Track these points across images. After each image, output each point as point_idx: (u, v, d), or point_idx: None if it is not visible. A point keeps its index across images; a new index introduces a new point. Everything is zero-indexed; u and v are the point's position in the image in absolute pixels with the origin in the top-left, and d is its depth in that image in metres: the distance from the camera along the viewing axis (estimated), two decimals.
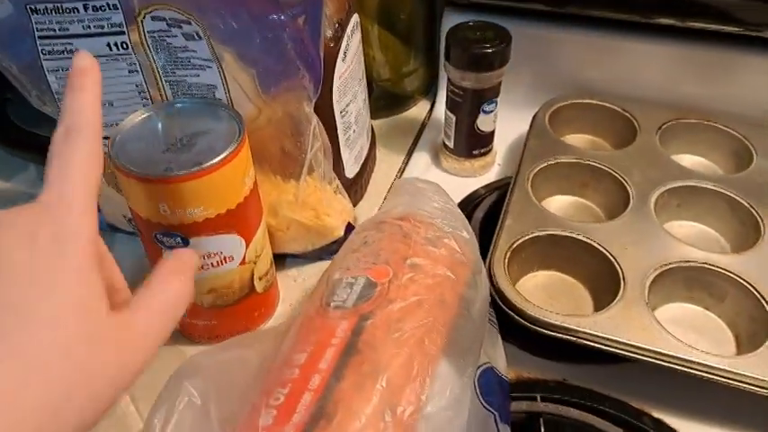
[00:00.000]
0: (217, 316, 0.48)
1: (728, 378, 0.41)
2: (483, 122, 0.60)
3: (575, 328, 0.43)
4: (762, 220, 0.51)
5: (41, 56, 0.43)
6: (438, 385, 0.33)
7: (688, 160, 0.60)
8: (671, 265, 0.47)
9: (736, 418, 0.44)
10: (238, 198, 0.42)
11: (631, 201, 0.53)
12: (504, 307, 0.45)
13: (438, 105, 0.73)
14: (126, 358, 0.27)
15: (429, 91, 0.76)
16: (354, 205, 0.59)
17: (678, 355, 0.41)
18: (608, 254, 0.48)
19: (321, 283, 0.41)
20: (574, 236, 0.50)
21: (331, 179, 0.52)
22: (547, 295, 0.50)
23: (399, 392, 0.32)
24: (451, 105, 0.61)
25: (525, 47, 0.63)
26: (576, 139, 0.64)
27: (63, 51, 0.43)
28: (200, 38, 0.41)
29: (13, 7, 0.42)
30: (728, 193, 0.53)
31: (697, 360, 0.41)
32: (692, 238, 0.51)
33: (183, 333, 0.50)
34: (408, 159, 0.68)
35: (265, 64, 0.42)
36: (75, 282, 0.25)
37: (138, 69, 0.43)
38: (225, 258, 0.44)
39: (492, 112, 0.60)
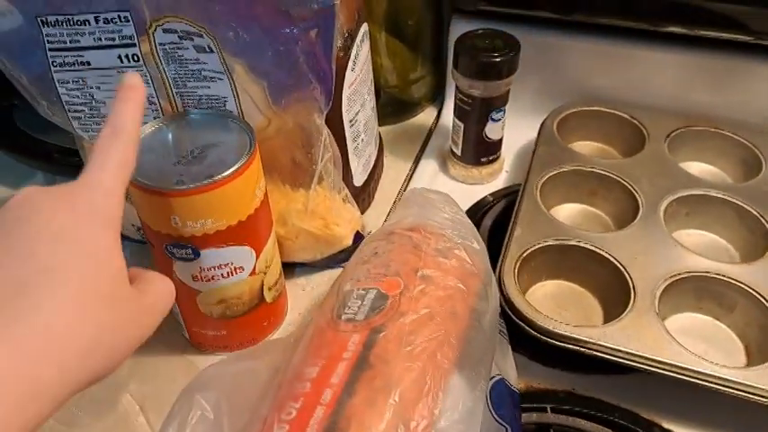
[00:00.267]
0: (226, 326, 0.48)
1: (740, 390, 0.40)
2: (491, 130, 0.60)
3: (585, 339, 0.43)
4: None
5: (52, 68, 0.43)
6: (450, 399, 0.33)
7: (697, 168, 0.60)
8: (681, 276, 0.47)
9: (747, 429, 0.43)
10: (249, 210, 0.42)
11: (641, 209, 0.53)
12: (514, 318, 0.45)
13: (445, 112, 0.73)
14: (132, 329, 0.31)
15: (436, 98, 0.76)
16: (362, 213, 0.59)
17: (689, 367, 0.41)
18: (618, 264, 0.48)
19: (331, 294, 0.41)
20: (583, 245, 0.50)
21: (340, 188, 0.52)
22: (556, 305, 0.50)
23: (412, 407, 0.32)
24: (459, 113, 0.61)
25: (533, 54, 0.63)
26: (585, 147, 0.64)
27: (74, 63, 0.43)
28: (211, 50, 0.41)
29: (24, 19, 0.42)
30: (738, 202, 0.53)
31: (708, 372, 0.41)
32: (701, 248, 0.51)
33: (193, 343, 0.50)
34: (416, 166, 0.68)
35: (277, 76, 0.42)
36: (110, 249, 0.30)
37: (149, 81, 0.43)
38: (235, 269, 0.44)
39: (500, 119, 0.60)
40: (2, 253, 0.28)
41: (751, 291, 0.46)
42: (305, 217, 0.50)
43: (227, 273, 0.44)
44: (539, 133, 0.62)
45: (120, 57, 0.42)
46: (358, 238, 0.54)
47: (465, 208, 0.59)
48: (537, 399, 0.46)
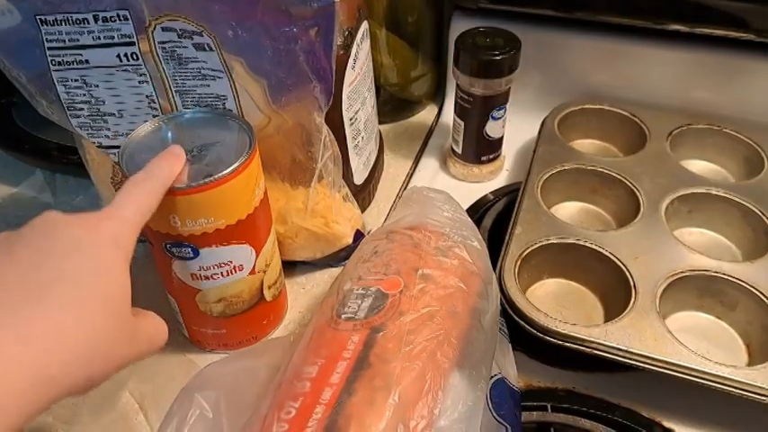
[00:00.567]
0: (226, 324, 0.48)
1: (741, 389, 0.40)
2: (492, 128, 0.60)
3: (586, 337, 0.43)
4: None
5: (51, 66, 0.43)
6: (450, 398, 0.33)
7: (698, 166, 0.60)
8: (682, 274, 0.47)
9: (748, 429, 0.43)
10: (249, 209, 0.42)
11: (642, 208, 0.53)
12: (514, 316, 0.45)
13: (446, 110, 0.73)
14: (125, 347, 0.33)
15: (437, 96, 0.75)
16: (363, 211, 0.59)
17: (690, 366, 0.41)
18: (619, 262, 0.48)
19: (331, 293, 0.41)
20: (584, 244, 0.50)
21: (340, 187, 0.52)
22: (557, 303, 0.50)
23: (412, 407, 0.32)
24: (460, 111, 0.60)
25: (534, 52, 0.63)
26: (586, 145, 0.64)
27: (73, 62, 0.42)
28: (210, 49, 0.41)
29: (23, 17, 0.41)
30: (740, 200, 0.53)
31: (709, 371, 0.41)
32: (702, 246, 0.51)
33: (192, 341, 0.50)
34: (416, 165, 0.68)
35: (276, 75, 0.42)
36: (122, 272, 0.32)
37: (148, 80, 0.43)
38: (235, 268, 0.44)
39: (501, 118, 0.60)
40: (24, 258, 0.30)
41: (753, 289, 0.46)
42: (305, 215, 0.50)
43: (227, 272, 0.44)
44: (539, 131, 0.62)
45: (119, 55, 0.42)
46: (358, 236, 0.54)
47: (466, 206, 0.59)
48: (537, 397, 0.46)
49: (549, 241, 0.50)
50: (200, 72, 0.42)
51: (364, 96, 0.55)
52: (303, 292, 0.55)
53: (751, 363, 0.45)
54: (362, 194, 0.60)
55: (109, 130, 0.46)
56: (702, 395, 0.42)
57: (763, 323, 0.46)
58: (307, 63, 0.41)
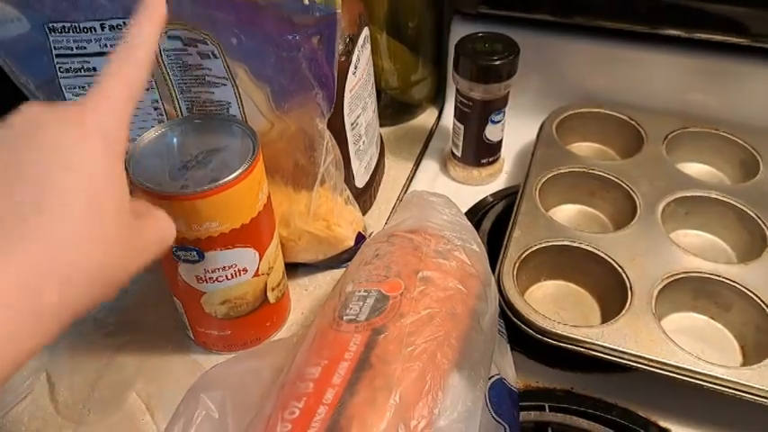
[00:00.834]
0: (230, 326, 0.48)
1: (735, 389, 0.41)
2: (491, 132, 0.61)
3: (583, 338, 0.44)
4: None
5: (59, 73, 0.44)
6: (450, 398, 0.34)
7: (694, 169, 0.60)
8: (678, 276, 0.48)
9: (743, 428, 0.44)
10: (252, 213, 0.43)
11: (639, 210, 0.54)
12: (513, 318, 0.46)
13: (446, 113, 0.74)
14: (127, 259, 0.31)
15: (437, 99, 0.76)
16: (364, 214, 0.60)
17: (686, 366, 0.42)
18: (615, 264, 0.49)
19: (334, 295, 0.41)
20: (582, 246, 0.50)
21: (342, 190, 0.53)
22: (555, 305, 0.51)
23: (412, 407, 0.32)
24: (460, 115, 0.61)
25: (533, 56, 0.64)
26: (583, 148, 0.64)
27: (80, 69, 0.43)
28: (215, 56, 0.42)
29: (31, 25, 0.42)
30: (735, 203, 0.54)
31: (704, 371, 0.41)
32: (698, 248, 0.52)
33: (198, 342, 0.51)
34: (417, 168, 0.68)
35: (279, 81, 0.42)
36: (117, 176, 0.30)
37: (154, 86, 0.44)
38: (239, 271, 0.45)
39: (500, 121, 0.61)
40: (11, 172, 0.27)
41: (747, 291, 0.47)
42: (307, 219, 0.51)
43: (231, 274, 0.45)
44: (538, 135, 0.63)
45: None
46: (360, 238, 0.55)
47: (465, 209, 0.60)
48: (535, 397, 0.46)
49: (548, 244, 0.51)
50: (204, 79, 0.43)
51: (365, 101, 0.56)
52: (306, 294, 0.55)
53: (745, 363, 0.46)
54: (364, 197, 0.61)
55: None
56: (698, 395, 0.43)
57: (758, 324, 0.46)
58: (309, 70, 0.42)
